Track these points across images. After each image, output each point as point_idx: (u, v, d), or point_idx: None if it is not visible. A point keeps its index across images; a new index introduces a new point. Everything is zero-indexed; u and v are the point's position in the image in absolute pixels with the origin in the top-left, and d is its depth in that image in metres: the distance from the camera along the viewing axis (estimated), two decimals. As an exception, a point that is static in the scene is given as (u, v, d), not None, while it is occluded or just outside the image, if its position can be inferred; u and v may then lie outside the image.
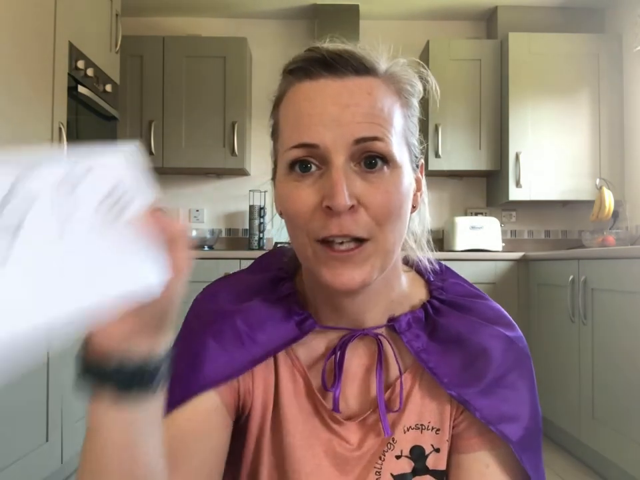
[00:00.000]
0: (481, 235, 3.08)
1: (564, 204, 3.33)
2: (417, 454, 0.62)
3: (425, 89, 0.64)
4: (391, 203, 0.54)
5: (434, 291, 0.66)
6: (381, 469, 0.62)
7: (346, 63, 0.55)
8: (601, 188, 2.96)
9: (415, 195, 0.62)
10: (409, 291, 0.66)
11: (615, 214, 3.02)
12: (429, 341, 0.62)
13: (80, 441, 2.02)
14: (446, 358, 0.61)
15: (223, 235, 3.49)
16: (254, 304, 0.63)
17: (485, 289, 2.76)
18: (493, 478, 0.60)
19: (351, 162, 0.54)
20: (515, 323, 0.65)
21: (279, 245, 0.75)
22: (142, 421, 0.44)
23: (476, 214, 3.44)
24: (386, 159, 0.55)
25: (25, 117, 1.73)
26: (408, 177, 0.58)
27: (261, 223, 3.30)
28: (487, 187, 3.49)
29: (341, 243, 0.54)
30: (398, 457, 0.62)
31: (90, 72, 2.21)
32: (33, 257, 0.36)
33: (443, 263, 0.72)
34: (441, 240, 3.41)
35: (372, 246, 0.55)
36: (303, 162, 0.55)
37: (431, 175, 3.38)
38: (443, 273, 0.70)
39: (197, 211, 3.48)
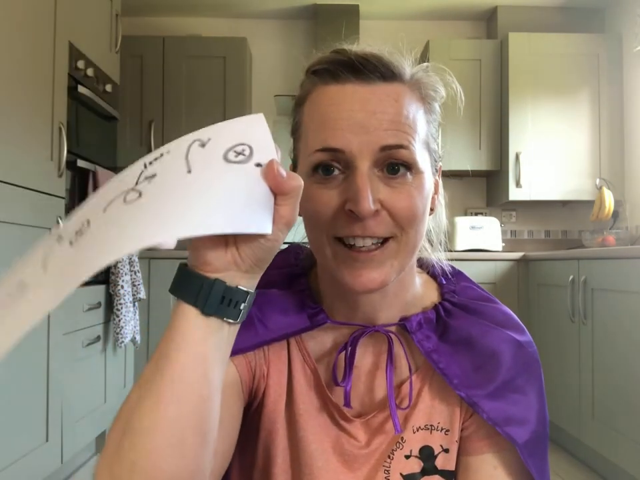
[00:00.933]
0: (481, 235, 3.08)
1: (564, 204, 3.33)
2: (426, 454, 0.62)
3: (447, 94, 0.64)
4: (414, 207, 0.55)
5: (446, 293, 0.67)
6: (389, 467, 0.62)
7: (374, 69, 0.55)
8: (600, 188, 2.96)
9: (433, 197, 0.63)
10: (422, 293, 0.67)
11: (615, 214, 3.02)
12: (439, 342, 0.62)
13: (80, 441, 2.03)
14: (456, 359, 0.61)
15: (223, 235, 3.48)
16: (270, 292, 0.63)
17: (485, 289, 2.76)
18: (500, 478, 0.60)
19: (374, 168, 0.55)
20: (525, 328, 0.65)
21: (292, 244, 0.74)
22: (217, 343, 0.46)
23: (476, 214, 3.44)
24: (409, 166, 0.55)
25: (25, 117, 1.73)
26: (429, 181, 0.58)
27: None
28: (487, 187, 3.49)
29: (361, 246, 0.55)
30: (407, 457, 0.62)
31: (90, 72, 2.21)
32: (163, 184, 0.43)
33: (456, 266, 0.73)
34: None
35: (393, 246, 0.56)
36: (326, 165, 0.55)
37: (431, 175, 3.39)
38: (456, 276, 0.71)
39: (197, 211, 3.48)
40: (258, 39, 3.40)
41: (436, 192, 0.64)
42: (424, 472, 0.62)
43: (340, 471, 0.62)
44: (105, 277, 2.40)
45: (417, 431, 0.63)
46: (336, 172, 0.55)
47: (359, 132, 0.53)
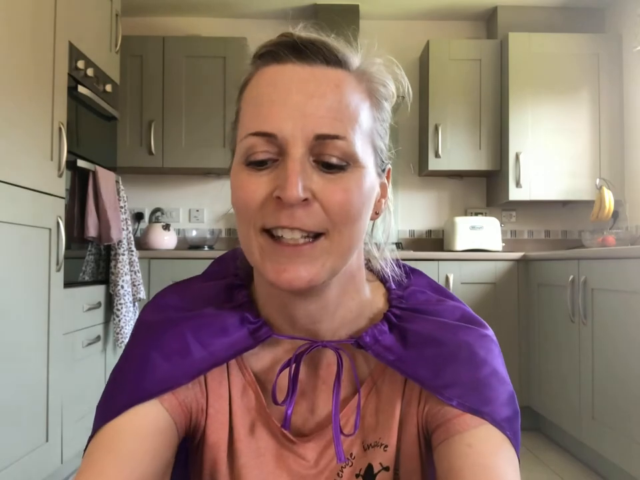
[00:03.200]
0: (481, 235, 3.08)
1: (564, 204, 3.33)
2: (369, 473, 0.60)
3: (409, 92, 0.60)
4: (349, 203, 0.51)
5: (393, 300, 0.62)
6: None
7: (317, 51, 0.52)
8: (601, 188, 2.96)
9: (379, 201, 0.59)
10: (370, 300, 0.63)
11: (615, 214, 3.02)
12: (402, 350, 0.58)
13: (80, 441, 2.03)
14: (423, 362, 0.57)
15: (223, 235, 3.49)
16: (205, 312, 0.59)
17: (485, 289, 2.77)
18: (477, 455, 0.54)
19: (310, 155, 0.51)
20: (483, 321, 0.62)
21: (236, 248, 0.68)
22: None
23: (476, 214, 3.44)
24: (347, 159, 0.51)
25: (25, 116, 1.73)
26: (370, 179, 0.54)
27: (261, 223, 3.29)
28: (487, 187, 3.49)
29: (289, 238, 0.50)
30: (357, 476, 0.59)
31: (90, 72, 2.21)
32: None
33: (408, 265, 0.69)
34: (441, 240, 3.41)
35: (325, 244, 0.51)
36: (259, 156, 0.51)
37: (431, 175, 3.39)
38: (408, 277, 0.66)
39: (197, 211, 3.48)
40: (258, 39, 3.36)
41: (383, 196, 0.60)
42: None
43: None
44: (105, 277, 2.40)
45: (368, 448, 0.60)
46: (269, 163, 0.51)
47: (293, 115, 0.49)
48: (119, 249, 2.37)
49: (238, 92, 0.58)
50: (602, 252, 2.14)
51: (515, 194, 3.09)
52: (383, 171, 0.59)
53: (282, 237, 0.50)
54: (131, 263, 2.46)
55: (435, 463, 0.57)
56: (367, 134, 0.54)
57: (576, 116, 3.09)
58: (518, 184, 3.08)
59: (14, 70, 1.67)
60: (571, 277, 2.30)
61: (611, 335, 2.05)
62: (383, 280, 0.66)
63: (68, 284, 2.02)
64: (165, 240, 3.13)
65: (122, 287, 2.36)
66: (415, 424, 0.60)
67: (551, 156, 3.09)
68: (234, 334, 0.57)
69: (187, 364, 0.56)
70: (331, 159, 0.50)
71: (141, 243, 3.13)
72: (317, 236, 0.51)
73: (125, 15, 2.94)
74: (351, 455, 0.60)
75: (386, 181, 0.60)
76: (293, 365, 0.58)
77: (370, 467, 0.59)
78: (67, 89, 2.00)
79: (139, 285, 2.50)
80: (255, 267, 0.54)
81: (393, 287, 0.64)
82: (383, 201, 0.60)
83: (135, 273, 2.48)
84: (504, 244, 3.25)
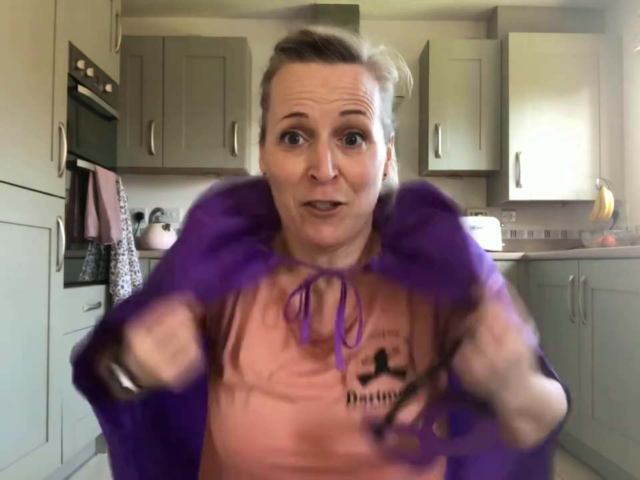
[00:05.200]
0: (480, 235, 3.08)
1: (564, 204, 3.33)
2: (380, 356, 0.69)
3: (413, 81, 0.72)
4: (366, 174, 0.64)
5: (385, 236, 0.73)
6: (346, 370, 0.68)
7: (335, 50, 0.63)
8: (601, 188, 2.96)
9: (386, 164, 0.71)
10: (371, 240, 0.75)
11: (615, 214, 3.02)
12: (403, 267, 0.68)
13: (80, 441, 2.03)
14: (421, 276, 0.67)
15: (223, 235, 3.48)
16: (231, 248, 0.69)
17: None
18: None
19: (334, 137, 0.63)
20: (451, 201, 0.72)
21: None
22: None
23: (476, 214, 3.44)
24: (364, 136, 0.63)
25: (25, 116, 1.73)
26: (381, 151, 0.67)
27: (261, 223, 3.29)
28: (487, 186, 3.49)
29: (321, 207, 0.63)
30: (363, 361, 0.68)
31: (90, 72, 2.21)
32: None
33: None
34: (441, 240, 3.41)
35: (346, 209, 0.64)
36: (292, 134, 0.63)
37: (431, 174, 3.38)
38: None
39: (197, 211, 3.48)
40: (258, 38, 3.39)
41: (389, 158, 0.72)
42: (378, 372, 0.68)
43: (302, 356, 0.70)
44: (105, 277, 2.40)
45: (371, 337, 0.69)
46: (301, 141, 0.63)
47: (321, 102, 0.61)
48: (119, 249, 2.37)
49: (263, 77, 0.69)
50: (602, 252, 2.14)
51: (515, 194, 3.09)
52: (389, 139, 0.71)
53: (316, 205, 0.63)
54: (130, 263, 2.46)
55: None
56: (379, 115, 0.66)
57: (576, 116, 3.09)
58: (518, 184, 3.08)
59: (14, 70, 1.67)
60: (571, 277, 2.30)
61: (611, 335, 2.05)
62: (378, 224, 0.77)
63: (68, 284, 2.02)
64: (165, 240, 3.12)
65: (122, 287, 2.36)
66: (425, 319, 0.71)
67: (551, 156, 3.09)
68: (251, 264, 0.69)
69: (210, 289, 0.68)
70: (352, 134, 0.63)
71: (141, 243, 3.13)
72: (339, 203, 0.64)
73: (125, 15, 2.94)
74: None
75: (391, 146, 0.72)
76: (304, 291, 0.70)
77: (382, 350, 0.69)
78: (67, 89, 2.00)
79: (138, 284, 2.50)
80: (294, 226, 0.67)
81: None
82: (389, 162, 0.73)
83: (135, 273, 2.48)
84: (504, 244, 3.25)
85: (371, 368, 0.68)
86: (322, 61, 0.63)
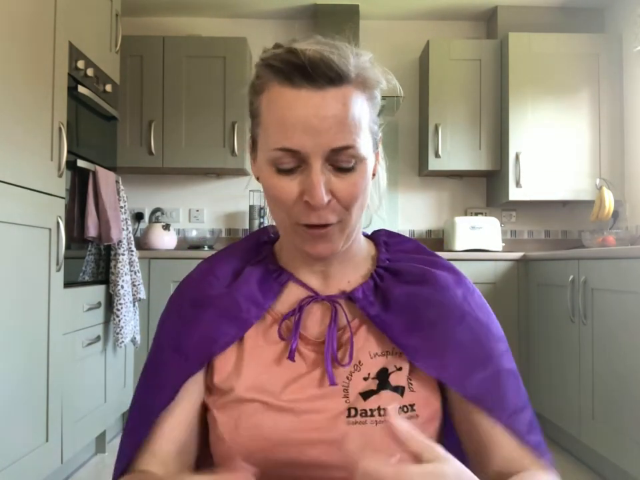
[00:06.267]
0: (480, 235, 3.08)
1: (564, 204, 3.33)
2: (382, 374, 0.71)
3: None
4: (358, 192, 0.66)
5: (380, 260, 0.77)
6: (348, 386, 0.70)
7: (323, 74, 0.62)
8: (601, 188, 2.96)
9: (374, 166, 0.72)
10: (365, 248, 0.79)
11: (615, 214, 3.02)
12: (381, 309, 0.72)
13: (80, 441, 2.03)
14: (401, 324, 0.70)
15: (223, 235, 3.49)
16: (241, 280, 0.74)
17: (485, 289, 2.76)
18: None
19: (326, 163, 0.64)
20: (460, 272, 0.78)
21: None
22: None
23: (476, 214, 3.45)
24: (355, 161, 0.65)
25: (25, 116, 1.73)
26: (371, 163, 0.69)
27: (261, 223, 3.29)
28: (487, 187, 3.50)
29: (316, 226, 0.67)
30: (365, 379, 0.71)
31: (90, 72, 2.21)
32: None
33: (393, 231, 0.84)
34: (441, 240, 3.41)
35: (340, 225, 0.68)
36: (285, 163, 0.65)
37: (431, 174, 3.39)
38: (391, 237, 0.82)
39: (197, 211, 3.48)
40: (258, 39, 3.39)
41: (377, 160, 0.74)
42: (379, 388, 0.70)
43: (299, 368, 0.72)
44: (105, 277, 2.40)
45: (374, 357, 0.72)
46: (293, 166, 0.65)
47: (312, 134, 0.62)
48: (119, 248, 2.37)
49: (250, 87, 0.69)
50: (602, 252, 2.14)
51: (514, 194, 3.09)
52: (377, 142, 0.72)
53: (312, 226, 0.67)
54: (131, 263, 2.46)
55: (450, 411, 0.73)
56: (367, 127, 0.67)
57: (576, 116, 3.10)
58: (518, 184, 3.08)
59: (14, 70, 1.67)
60: (571, 277, 2.30)
61: (611, 335, 2.05)
62: (372, 237, 0.82)
63: (68, 284, 2.02)
64: (165, 240, 3.13)
65: (122, 286, 2.36)
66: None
67: (551, 156, 3.09)
68: (264, 288, 0.74)
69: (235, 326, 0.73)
70: (342, 164, 0.65)
71: (141, 243, 3.13)
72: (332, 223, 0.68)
73: (125, 15, 2.94)
74: (359, 362, 0.72)
75: (379, 150, 0.74)
76: (297, 315, 0.73)
77: (384, 369, 0.71)
78: (67, 89, 2.00)
79: (139, 284, 2.50)
80: (294, 244, 0.71)
81: (382, 240, 0.80)
82: (377, 163, 0.74)
83: (135, 273, 2.48)
84: (504, 244, 3.25)
85: (373, 385, 0.70)
86: (311, 87, 0.62)
